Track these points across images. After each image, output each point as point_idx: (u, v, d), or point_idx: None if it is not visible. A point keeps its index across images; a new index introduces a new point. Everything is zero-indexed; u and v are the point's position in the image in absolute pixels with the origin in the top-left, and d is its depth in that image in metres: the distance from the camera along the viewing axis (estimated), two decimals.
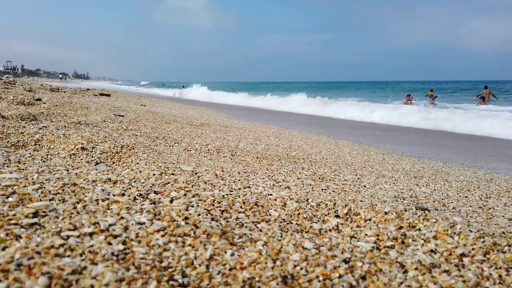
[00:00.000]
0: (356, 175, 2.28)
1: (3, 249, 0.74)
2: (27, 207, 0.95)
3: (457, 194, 2.04)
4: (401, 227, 1.13)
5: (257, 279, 0.80)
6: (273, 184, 1.67)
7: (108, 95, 7.35)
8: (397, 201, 1.63)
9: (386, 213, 1.23)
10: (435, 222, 1.13)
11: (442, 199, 1.83)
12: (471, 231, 1.07)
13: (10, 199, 0.99)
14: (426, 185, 2.23)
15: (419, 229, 1.11)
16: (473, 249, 0.99)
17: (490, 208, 1.72)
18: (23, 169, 1.34)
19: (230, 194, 1.34)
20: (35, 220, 0.89)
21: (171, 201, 1.17)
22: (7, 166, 1.39)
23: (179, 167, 1.75)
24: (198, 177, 1.59)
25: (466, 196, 1.99)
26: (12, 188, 1.08)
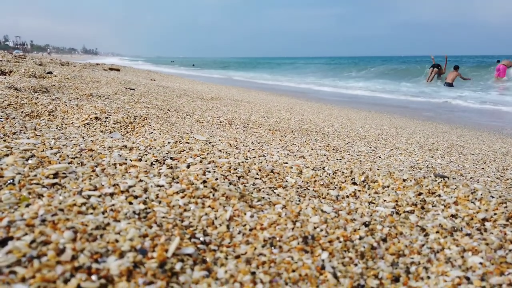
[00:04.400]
0: (370, 147, 2.26)
1: (27, 206, 0.75)
2: (47, 169, 0.95)
3: (474, 166, 2.01)
4: (420, 193, 1.11)
5: (277, 238, 0.80)
6: (288, 154, 1.66)
7: (118, 70, 7.32)
8: (413, 170, 1.61)
9: (404, 180, 1.21)
10: (455, 188, 1.11)
11: (459, 169, 1.80)
12: (493, 197, 1.05)
13: (29, 161, 1.00)
14: (442, 157, 2.19)
15: (439, 195, 1.09)
16: (495, 214, 0.97)
17: (508, 179, 1.69)
18: (40, 135, 1.34)
19: (245, 161, 1.33)
20: (56, 180, 0.89)
21: (188, 167, 1.17)
22: (24, 133, 1.39)
23: (193, 137, 1.74)
24: (213, 146, 1.58)
25: (483, 168, 1.96)
26: (31, 152, 1.08)
